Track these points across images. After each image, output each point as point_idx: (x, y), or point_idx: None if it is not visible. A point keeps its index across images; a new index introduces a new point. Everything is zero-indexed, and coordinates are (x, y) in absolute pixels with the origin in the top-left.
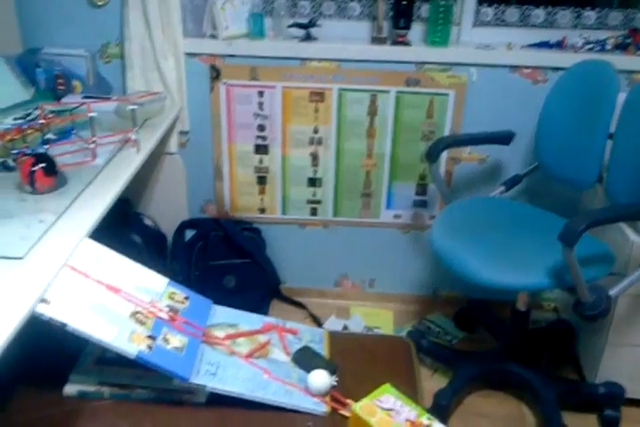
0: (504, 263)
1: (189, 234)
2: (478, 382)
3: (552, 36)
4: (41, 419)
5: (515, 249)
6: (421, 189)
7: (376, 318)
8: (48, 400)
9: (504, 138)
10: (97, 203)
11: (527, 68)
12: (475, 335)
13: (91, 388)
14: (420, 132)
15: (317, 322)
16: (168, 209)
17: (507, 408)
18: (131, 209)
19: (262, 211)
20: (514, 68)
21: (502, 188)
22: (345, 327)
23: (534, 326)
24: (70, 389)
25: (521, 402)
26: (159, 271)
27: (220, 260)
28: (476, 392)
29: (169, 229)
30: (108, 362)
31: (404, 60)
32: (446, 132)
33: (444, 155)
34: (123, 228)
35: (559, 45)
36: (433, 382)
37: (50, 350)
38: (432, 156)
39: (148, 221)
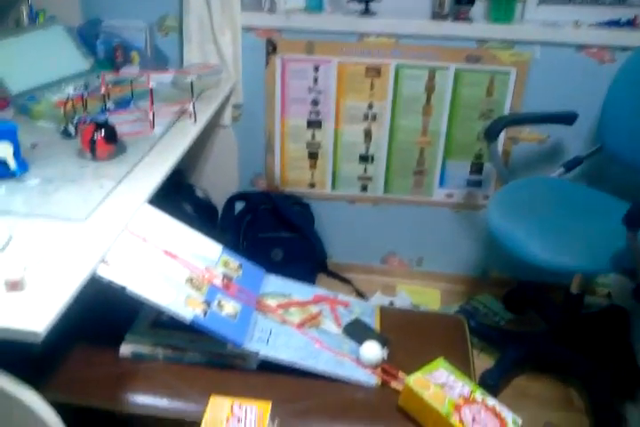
0: (562, 245)
1: (239, 207)
2: (526, 364)
3: (623, 14)
4: (97, 378)
5: (574, 231)
6: (476, 168)
7: (423, 297)
8: (104, 360)
9: (567, 118)
10: (155, 171)
11: (594, 47)
12: (523, 318)
13: (145, 349)
14: (479, 111)
15: (363, 298)
16: (219, 181)
17: (555, 392)
18: (184, 180)
19: (312, 186)
20: (580, 47)
21: (562, 169)
22: (391, 304)
23: (586, 311)
24: (125, 350)
25: (569, 386)
26: None
27: (269, 233)
28: (524, 374)
29: (219, 201)
30: (163, 325)
31: (466, 37)
32: (506, 112)
33: (503, 134)
34: (176, 198)
35: (630, 24)
36: (478, 362)
37: (106, 311)
38: (492, 134)
39: (199, 193)
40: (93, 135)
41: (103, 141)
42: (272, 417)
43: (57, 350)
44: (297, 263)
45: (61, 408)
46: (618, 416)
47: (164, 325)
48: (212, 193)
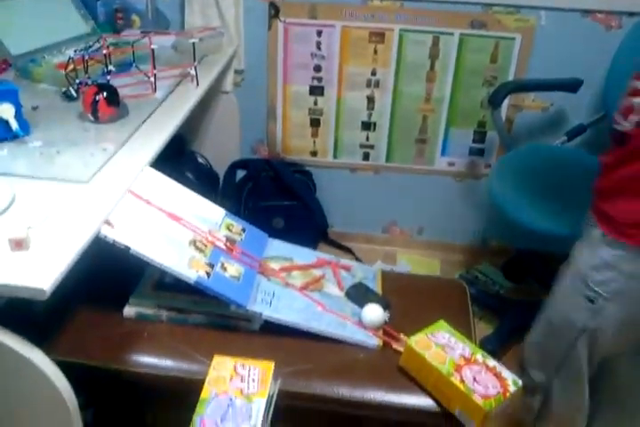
0: (562, 212)
1: (240, 174)
2: (526, 331)
3: None
4: (101, 337)
5: (574, 199)
6: (479, 136)
7: (423, 266)
8: (108, 321)
9: (571, 85)
10: (157, 134)
11: (601, 12)
12: (523, 286)
13: (149, 311)
14: (483, 78)
15: None
16: (220, 148)
17: None
18: (185, 147)
19: (314, 154)
20: (586, 12)
21: (565, 137)
22: None
23: None
24: (129, 311)
25: None
26: None
27: (270, 201)
28: (523, 343)
29: (221, 168)
30: (167, 287)
31: (471, 1)
32: (510, 78)
33: (506, 102)
34: (177, 164)
35: None
36: (478, 330)
37: (111, 274)
38: (495, 101)
39: (201, 160)
40: (95, 97)
41: (105, 104)
42: (274, 377)
43: (62, 311)
44: (298, 232)
45: (66, 368)
46: None
47: (168, 287)
48: (213, 160)
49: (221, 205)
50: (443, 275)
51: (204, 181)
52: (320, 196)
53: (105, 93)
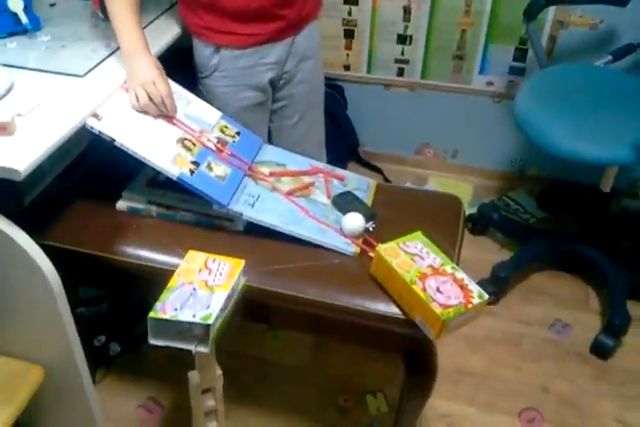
0: (590, 135)
1: None
2: (548, 261)
3: None
4: (95, 227)
5: (606, 121)
6: (521, 54)
7: (454, 190)
8: (102, 213)
9: None
10: (163, 34)
11: None
12: (555, 218)
13: (140, 205)
14: None
15: None
16: None
17: (572, 290)
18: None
19: (347, 68)
20: None
21: (610, 57)
22: None
23: (621, 213)
24: (122, 204)
25: (589, 286)
26: None
27: None
28: (543, 271)
29: None
30: (159, 185)
31: None
32: None
33: (550, 17)
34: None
35: None
36: (499, 257)
37: (109, 169)
38: (532, 12)
39: None
40: None
41: None
42: (243, 273)
43: (57, 202)
44: (327, 149)
45: (57, 254)
46: (629, 319)
47: (160, 185)
48: None
49: None
50: (474, 200)
51: None
52: (351, 113)
53: None
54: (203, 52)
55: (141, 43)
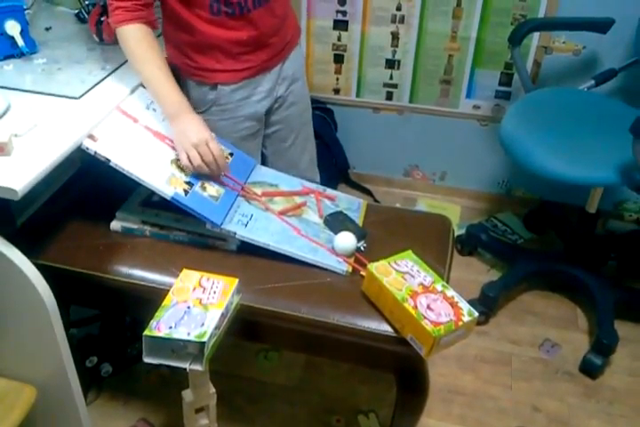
0: (575, 157)
1: None
2: (536, 281)
3: None
4: (88, 247)
5: (590, 144)
6: (506, 78)
7: (442, 211)
8: (96, 232)
9: (600, 25)
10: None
11: None
12: (543, 238)
13: (134, 225)
14: (511, 16)
15: None
16: None
17: (560, 310)
18: None
19: (337, 92)
20: None
21: (592, 82)
22: None
23: (608, 234)
24: (116, 224)
25: (577, 306)
26: None
27: None
28: (532, 291)
29: None
30: (152, 205)
31: None
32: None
33: (534, 42)
34: None
35: None
36: (488, 277)
37: (105, 190)
38: (516, 37)
39: None
40: (100, 18)
41: (109, 24)
42: (237, 291)
43: (50, 222)
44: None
45: (50, 274)
46: (617, 338)
47: (154, 205)
48: None
49: None
50: (463, 221)
51: None
52: (341, 135)
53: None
54: (198, 89)
55: (185, 104)
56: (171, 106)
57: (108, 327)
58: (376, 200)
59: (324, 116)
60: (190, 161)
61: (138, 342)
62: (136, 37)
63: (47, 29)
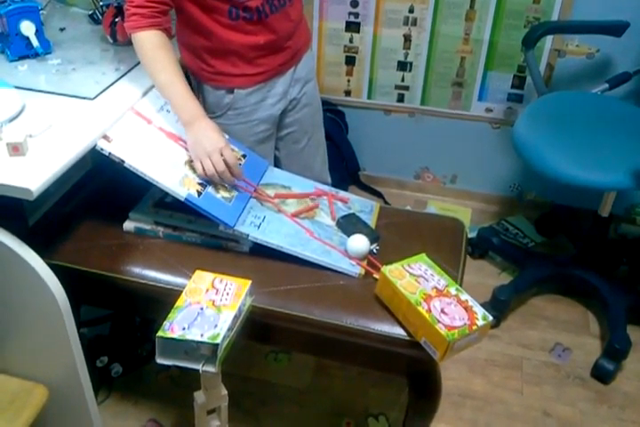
0: (588, 161)
1: None
2: (547, 285)
3: None
4: (101, 247)
5: (604, 148)
6: (519, 81)
7: (453, 214)
8: (109, 232)
9: (614, 28)
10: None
11: None
12: (554, 241)
13: (147, 226)
14: (524, 19)
15: None
16: None
17: (572, 315)
18: None
19: (348, 93)
20: None
21: (606, 85)
22: None
23: (620, 238)
24: (129, 225)
25: (588, 310)
26: None
27: None
28: (543, 295)
29: None
30: (166, 206)
31: None
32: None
33: (548, 46)
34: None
35: None
36: (499, 281)
37: (117, 191)
38: (530, 40)
39: None
40: (114, 19)
41: (123, 25)
42: (249, 293)
43: (63, 222)
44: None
45: (62, 274)
46: (629, 343)
47: (167, 206)
48: None
49: None
50: (473, 224)
51: None
52: (352, 137)
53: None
54: (214, 93)
55: (200, 111)
56: (186, 113)
57: (118, 328)
58: (387, 202)
59: (334, 118)
60: (204, 169)
61: (148, 342)
62: (152, 43)
63: (61, 30)
